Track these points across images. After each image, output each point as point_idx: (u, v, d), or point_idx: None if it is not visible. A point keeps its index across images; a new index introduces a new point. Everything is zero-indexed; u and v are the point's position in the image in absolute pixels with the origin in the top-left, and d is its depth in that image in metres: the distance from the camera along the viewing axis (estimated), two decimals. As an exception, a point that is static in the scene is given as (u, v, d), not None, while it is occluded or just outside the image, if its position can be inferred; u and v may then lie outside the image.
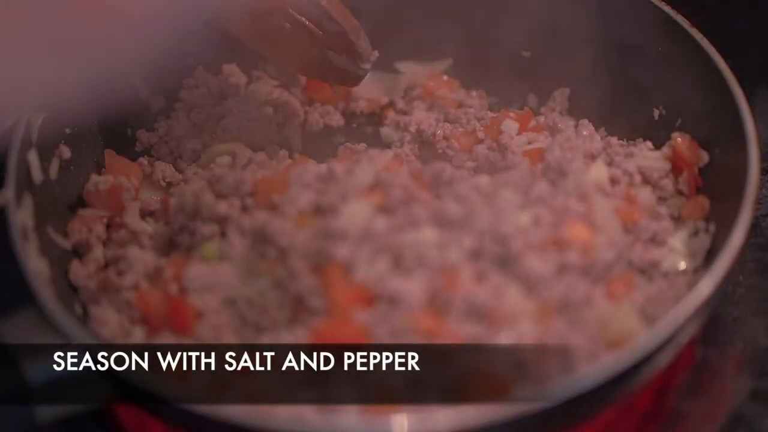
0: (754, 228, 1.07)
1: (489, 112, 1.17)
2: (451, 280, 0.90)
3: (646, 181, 1.06)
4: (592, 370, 0.83)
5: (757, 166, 0.95)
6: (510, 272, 0.92)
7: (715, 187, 1.03)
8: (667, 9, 1.09)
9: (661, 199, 1.06)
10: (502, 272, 0.92)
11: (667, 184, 1.06)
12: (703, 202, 1.03)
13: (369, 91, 1.20)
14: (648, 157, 1.07)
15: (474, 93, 1.21)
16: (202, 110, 1.16)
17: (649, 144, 1.09)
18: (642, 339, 0.86)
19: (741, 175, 0.95)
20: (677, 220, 1.04)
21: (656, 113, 1.12)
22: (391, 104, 1.21)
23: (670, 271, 0.99)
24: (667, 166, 1.07)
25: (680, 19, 1.08)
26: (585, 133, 1.11)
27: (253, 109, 1.15)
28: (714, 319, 1.01)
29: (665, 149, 1.08)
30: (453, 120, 1.17)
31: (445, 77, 1.22)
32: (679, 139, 1.07)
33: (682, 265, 0.99)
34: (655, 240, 1.01)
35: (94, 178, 1.07)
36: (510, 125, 1.11)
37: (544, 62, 1.19)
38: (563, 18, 1.16)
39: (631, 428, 0.97)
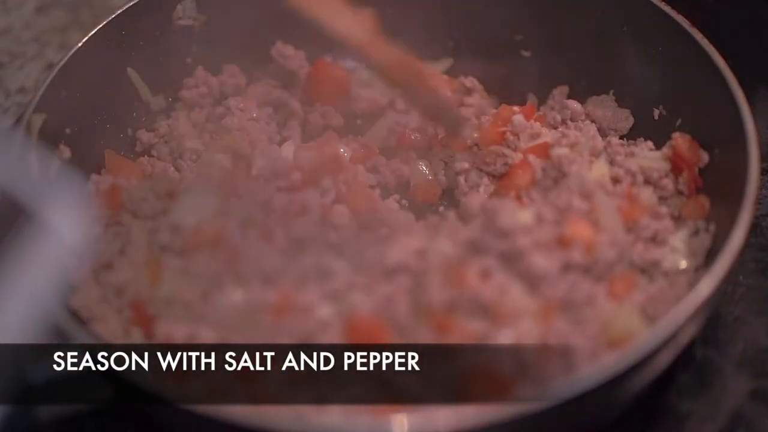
0: (754, 228, 1.07)
1: (487, 115, 1.17)
2: (457, 278, 0.91)
3: (647, 180, 1.06)
4: (593, 370, 0.83)
5: (757, 166, 0.95)
6: (515, 270, 0.92)
7: (715, 187, 1.02)
8: (667, 9, 1.09)
9: (662, 199, 1.06)
10: (506, 270, 0.92)
11: (668, 183, 1.06)
12: (704, 201, 1.03)
13: (369, 91, 1.20)
14: (648, 157, 1.07)
15: (475, 93, 1.21)
16: (202, 110, 1.16)
17: (650, 144, 1.09)
18: (643, 339, 0.86)
19: (741, 175, 0.95)
20: (678, 219, 1.04)
21: (656, 113, 1.12)
22: (391, 104, 1.21)
23: (670, 270, 0.99)
24: (667, 166, 1.06)
25: (680, 19, 1.08)
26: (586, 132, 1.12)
27: (253, 109, 1.15)
28: (714, 319, 1.01)
29: (665, 149, 1.08)
30: None
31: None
32: (679, 139, 1.07)
33: (683, 264, 0.99)
34: (655, 239, 1.01)
35: (94, 177, 1.07)
36: (519, 121, 1.11)
37: (543, 62, 1.20)
38: (563, 18, 1.16)
39: (632, 428, 0.97)
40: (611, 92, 1.15)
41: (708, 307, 0.89)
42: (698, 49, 1.05)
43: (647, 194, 1.04)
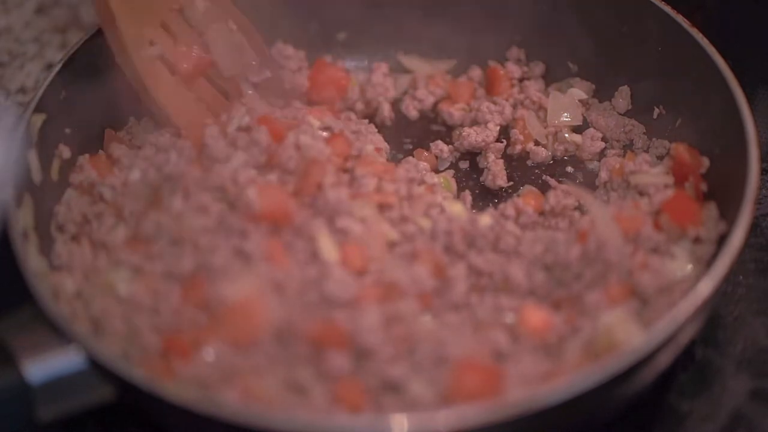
0: (754, 228, 1.07)
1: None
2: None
3: (645, 192, 1.06)
4: (593, 370, 0.83)
5: (757, 166, 0.95)
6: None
7: (716, 188, 1.02)
8: (667, 9, 1.09)
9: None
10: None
11: (668, 195, 1.05)
12: (706, 209, 1.01)
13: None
14: (651, 173, 1.06)
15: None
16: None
17: (647, 157, 1.09)
18: (641, 340, 0.86)
19: (741, 175, 0.95)
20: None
21: (656, 112, 1.12)
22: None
23: (672, 279, 0.98)
24: (670, 179, 1.05)
25: (680, 19, 1.08)
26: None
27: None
28: (714, 319, 1.01)
29: (666, 161, 1.07)
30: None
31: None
32: (678, 148, 1.06)
33: (688, 270, 0.98)
34: (657, 250, 1.00)
35: (80, 160, 1.06)
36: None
37: (542, 62, 1.19)
38: (562, 18, 1.16)
39: (632, 428, 0.97)
40: (612, 100, 1.15)
41: (707, 307, 0.90)
42: (698, 49, 1.05)
43: (645, 203, 1.03)
